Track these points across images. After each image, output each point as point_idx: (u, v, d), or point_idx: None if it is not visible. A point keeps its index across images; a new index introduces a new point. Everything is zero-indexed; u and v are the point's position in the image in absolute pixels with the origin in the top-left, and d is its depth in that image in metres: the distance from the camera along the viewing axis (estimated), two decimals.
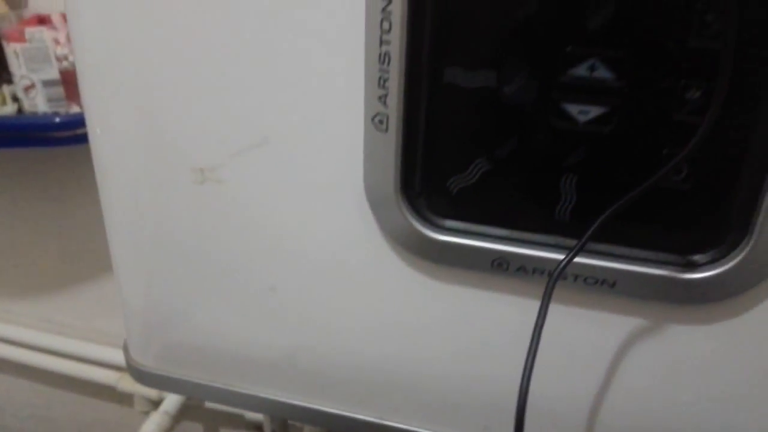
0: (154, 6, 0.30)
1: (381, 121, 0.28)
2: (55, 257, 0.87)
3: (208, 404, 0.90)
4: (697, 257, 0.28)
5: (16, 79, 0.63)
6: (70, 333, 0.96)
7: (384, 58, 0.27)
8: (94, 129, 0.36)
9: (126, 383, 0.92)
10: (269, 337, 0.38)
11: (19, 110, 0.64)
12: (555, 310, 0.30)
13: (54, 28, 0.63)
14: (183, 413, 0.86)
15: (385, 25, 0.26)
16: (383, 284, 0.33)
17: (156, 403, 0.89)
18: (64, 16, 0.65)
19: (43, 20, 0.64)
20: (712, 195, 0.26)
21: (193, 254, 0.37)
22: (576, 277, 0.29)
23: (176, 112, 0.32)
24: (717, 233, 0.27)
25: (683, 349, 0.30)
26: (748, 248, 0.26)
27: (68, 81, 0.63)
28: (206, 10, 0.29)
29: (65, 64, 0.62)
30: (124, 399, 0.96)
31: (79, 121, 0.64)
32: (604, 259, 0.28)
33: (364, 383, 0.37)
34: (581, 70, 0.25)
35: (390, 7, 0.25)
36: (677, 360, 0.30)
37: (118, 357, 0.93)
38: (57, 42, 0.61)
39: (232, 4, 0.29)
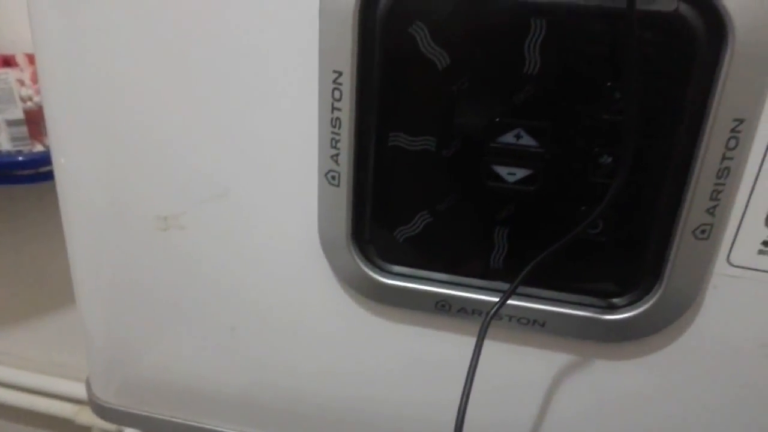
0: (120, 57, 0.32)
1: (333, 177, 0.31)
2: (13, 290, 0.87)
3: None
4: (616, 300, 0.31)
5: None
6: (27, 366, 0.95)
7: (335, 123, 0.29)
8: (60, 171, 0.37)
9: (84, 416, 0.91)
10: (228, 375, 0.40)
11: None
12: (492, 346, 0.33)
13: (19, 68, 0.64)
14: None
15: (336, 95, 0.29)
16: (336, 324, 0.36)
17: None
18: (28, 57, 0.66)
19: (8, 61, 0.65)
20: (626, 246, 0.29)
21: (155, 295, 0.39)
22: (510, 318, 0.32)
23: (143, 162, 0.34)
24: (632, 279, 0.30)
25: (606, 382, 0.33)
26: (659, 293, 0.30)
27: (32, 120, 0.64)
28: (172, 70, 0.31)
29: (29, 104, 0.63)
30: None
31: (41, 160, 0.65)
32: (534, 302, 0.31)
33: (320, 418, 0.39)
34: (509, 138, 0.28)
35: (341, 79, 0.28)
36: (601, 391, 0.33)
37: (76, 390, 0.92)
38: (21, 83, 0.63)
39: (196, 65, 0.31)
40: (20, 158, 0.64)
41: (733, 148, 0.26)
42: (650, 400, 0.33)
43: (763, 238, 0.28)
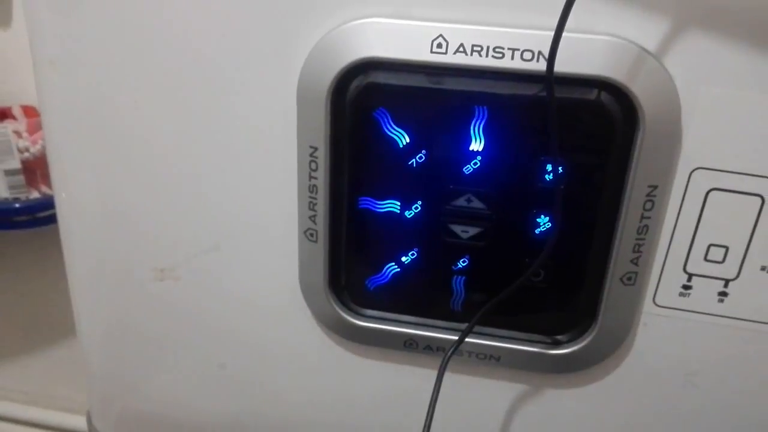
0: (122, 118, 0.35)
1: (311, 234, 0.35)
2: (11, 328, 0.89)
3: None
4: (560, 337, 0.35)
5: None
6: (23, 399, 0.96)
7: (312, 189, 0.33)
8: (62, 217, 0.40)
9: None
10: (220, 406, 0.43)
11: None
12: (454, 379, 0.37)
13: (15, 120, 0.67)
14: None
15: (313, 166, 0.33)
16: (316, 361, 0.39)
17: None
18: (24, 109, 0.69)
19: (4, 113, 0.68)
20: (564, 291, 0.34)
21: (151, 335, 0.42)
22: (470, 354, 0.36)
23: (142, 219, 0.38)
24: (571, 319, 0.34)
25: (556, 408, 0.37)
26: (595, 331, 0.34)
27: (28, 169, 0.67)
28: (172, 140, 0.35)
29: (26, 154, 0.66)
30: None
31: (37, 206, 0.68)
32: (490, 340, 0.35)
33: None
34: (461, 202, 0.32)
35: (316, 153, 0.32)
36: (552, 416, 0.37)
37: (70, 420, 0.95)
38: (18, 134, 0.66)
39: (193, 139, 0.35)
40: (17, 205, 0.67)
41: (650, 209, 0.31)
42: (592, 423, 0.37)
43: (683, 282, 0.33)
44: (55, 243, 0.73)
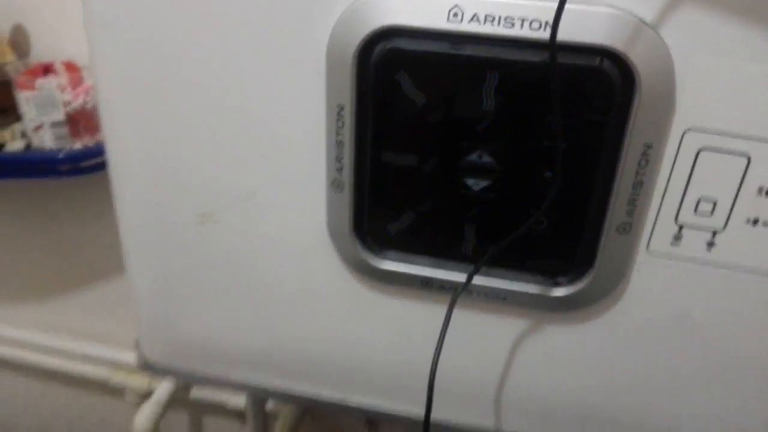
0: (167, 79, 0.39)
1: (338, 186, 0.38)
2: (52, 268, 0.95)
3: (193, 395, 0.98)
4: (561, 279, 0.39)
5: (26, 120, 0.71)
6: (63, 333, 1.03)
7: (339, 144, 0.37)
8: (114, 167, 0.44)
9: (119, 377, 1.00)
10: (255, 337, 0.48)
11: (28, 146, 0.73)
12: (465, 315, 0.41)
13: (58, 75, 0.71)
14: (170, 404, 0.95)
15: (340, 123, 0.36)
16: (341, 298, 0.43)
17: (145, 395, 0.98)
18: (66, 65, 0.73)
19: (48, 69, 0.72)
20: (565, 239, 0.37)
21: (194, 274, 0.46)
22: (478, 293, 0.40)
23: (188, 170, 0.42)
24: (571, 264, 0.38)
25: (555, 343, 0.41)
26: (592, 275, 0.37)
27: (72, 121, 0.71)
28: (214, 101, 0.39)
29: (69, 108, 0.70)
30: (115, 392, 1.03)
31: (80, 156, 0.73)
32: (497, 281, 0.39)
33: (325, 371, 0.48)
34: (473, 157, 0.35)
35: (343, 111, 0.36)
36: (553, 349, 0.41)
37: (110, 354, 1.01)
38: (62, 88, 0.70)
39: (232, 101, 0.38)
40: (61, 155, 0.71)
41: (645, 166, 0.34)
42: (589, 356, 0.41)
43: (674, 232, 0.36)
44: (97, 190, 0.78)
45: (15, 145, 0.72)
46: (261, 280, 0.45)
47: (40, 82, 0.68)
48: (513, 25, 0.32)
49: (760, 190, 0.34)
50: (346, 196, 0.38)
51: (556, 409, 0.44)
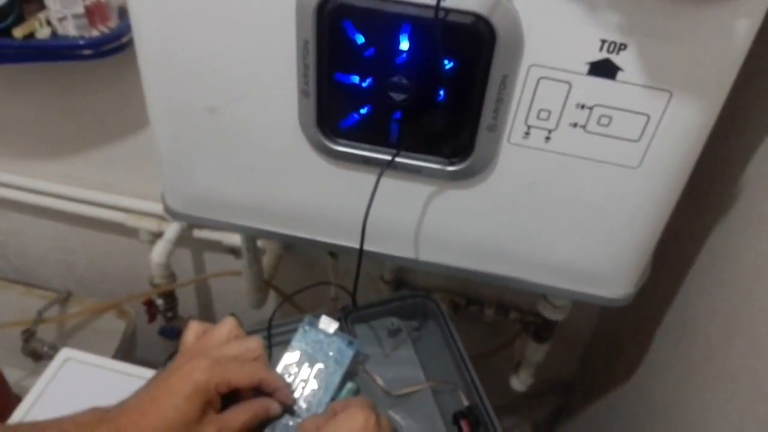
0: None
1: (306, 94, 0.55)
2: (71, 130, 1.10)
3: (196, 234, 1.17)
4: (453, 160, 0.57)
5: (51, 12, 0.83)
6: (84, 185, 1.18)
7: (306, 66, 0.53)
8: (144, 65, 0.60)
9: (132, 220, 1.17)
10: (248, 194, 0.66)
11: (53, 34, 0.86)
12: (391, 182, 0.59)
13: None
14: (177, 242, 1.14)
15: (305, 52, 0.52)
16: (309, 170, 0.60)
17: (156, 235, 1.16)
18: None
19: None
20: (455, 134, 0.55)
21: (205, 147, 0.63)
22: (400, 168, 0.58)
23: (201, 70, 0.57)
24: (460, 149, 0.56)
25: (452, 201, 0.59)
26: (473, 157, 0.56)
27: (91, 13, 0.84)
28: (217, 26, 0.54)
29: (87, 2, 0.83)
30: (130, 233, 1.18)
31: (97, 42, 0.86)
32: (412, 161, 0.57)
33: (300, 218, 0.66)
34: (395, 79, 0.51)
35: (308, 46, 0.51)
36: (450, 205, 0.60)
37: (123, 202, 1.17)
38: None
39: (234, 26, 0.53)
40: (81, 42, 0.85)
41: (503, 89, 0.50)
42: (473, 210, 0.60)
43: (524, 131, 0.53)
44: (115, 70, 0.93)
45: (43, 32, 0.85)
46: (253, 156, 0.62)
47: None
48: None
49: (577, 104, 0.51)
50: (312, 101, 0.55)
51: (454, 244, 0.64)
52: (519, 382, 1.03)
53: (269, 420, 0.55)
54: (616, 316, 1.01)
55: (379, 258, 0.66)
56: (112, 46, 0.87)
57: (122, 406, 0.50)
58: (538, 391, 1.20)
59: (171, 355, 0.60)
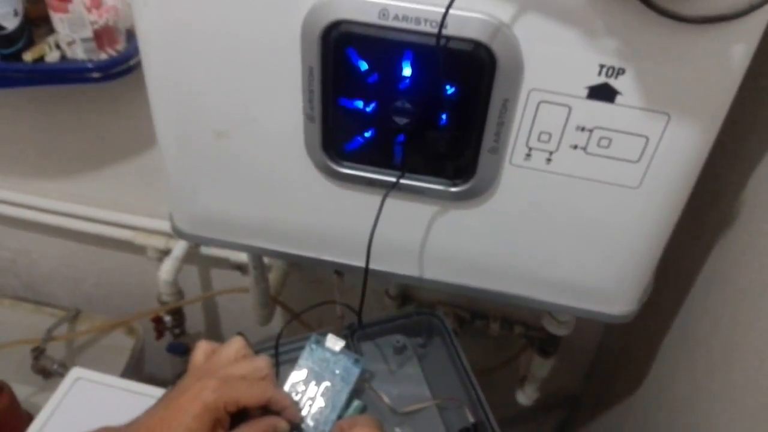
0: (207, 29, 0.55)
1: (311, 118, 0.56)
2: (81, 149, 1.12)
3: (203, 251, 1.18)
4: (456, 181, 0.58)
5: (60, 36, 0.85)
6: (93, 203, 1.18)
7: (311, 91, 0.54)
8: (152, 93, 0.61)
9: (140, 238, 1.18)
10: (255, 216, 0.67)
11: (63, 57, 0.87)
12: (396, 203, 0.60)
13: None
14: (185, 259, 1.15)
15: (311, 78, 0.53)
16: (314, 191, 0.60)
17: (164, 252, 1.17)
18: None
19: None
20: (458, 156, 0.55)
21: (212, 171, 0.64)
22: (407, 189, 0.59)
23: (206, 98, 0.59)
24: (463, 171, 0.57)
25: (455, 221, 0.60)
26: (474, 178, 0.56)
27: (99, 37, 0.85)
28: (234, 55, 0.55)
29: (95, 26, 0.84)
30: (137, 250, 1.19)
31: (105, 66, 0.87)
32: (416, 182, 0.58)
33: (305, 238, 0.67)
34: (398, 104, 0.52)
35: (313, 72, 0.52)
36: (453, 225, 0.61)
37: (131, 220, 1.19)
38: (89, 10, 0.83)
39: (243, 59, 0.54)
40: (90, 65, 0.86)
41: (505, 113, 0.51)
42: (476, 230, 0.61)
43: (525, 153, 0.54)
44: (123, 91, 0.94)
45: (52, 56, 0.87)
46: (260, 178, 0.63)
47: (71, 6, 0.81)
48: (420, 23, 0.48)
49: (577, 127, 0.52)
50: (317, 126, 0.56)
51: (458, 263, 0.65)
52: (525, 397, 1.03)
53: None
54: (621, 331, 1.02)
55: (384, 276, 0.66)
56: (121, 68, 0.88)
57: (132, 426, 0.50)
58: (544, 404, 1.20)
59: (180, 374, 0.60)
